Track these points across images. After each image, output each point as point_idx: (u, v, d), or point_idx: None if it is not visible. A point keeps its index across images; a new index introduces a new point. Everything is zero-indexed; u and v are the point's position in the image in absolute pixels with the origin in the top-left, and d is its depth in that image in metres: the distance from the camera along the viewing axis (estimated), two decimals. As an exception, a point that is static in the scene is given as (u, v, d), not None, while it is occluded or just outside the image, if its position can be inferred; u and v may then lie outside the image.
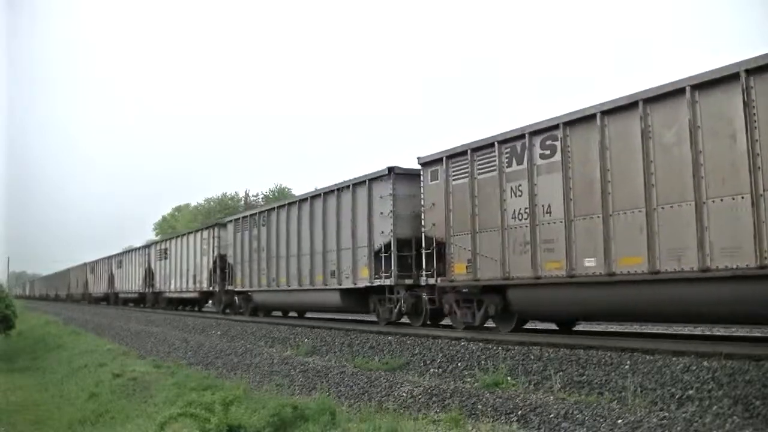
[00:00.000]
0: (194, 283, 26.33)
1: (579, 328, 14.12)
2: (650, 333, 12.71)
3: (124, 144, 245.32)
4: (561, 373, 8.19)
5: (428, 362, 10.25)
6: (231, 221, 22.73)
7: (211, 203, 69.20)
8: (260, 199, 62.57)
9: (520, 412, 7.30)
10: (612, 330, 12.68)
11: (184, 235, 28.82)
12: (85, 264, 52.59)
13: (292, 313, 21.39)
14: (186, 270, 27.45)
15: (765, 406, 6.09)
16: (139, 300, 35.97)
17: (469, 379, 9.04)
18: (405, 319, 14.27)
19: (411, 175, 13.76)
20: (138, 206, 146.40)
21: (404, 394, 8.93)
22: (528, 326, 14.48)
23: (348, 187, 15.26)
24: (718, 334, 12.27)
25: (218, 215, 54.27)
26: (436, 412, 8.03)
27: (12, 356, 24.11)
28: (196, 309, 29.14)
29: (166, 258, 30.71)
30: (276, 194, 61.06)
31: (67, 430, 11.85)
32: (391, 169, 13.86)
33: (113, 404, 12.37)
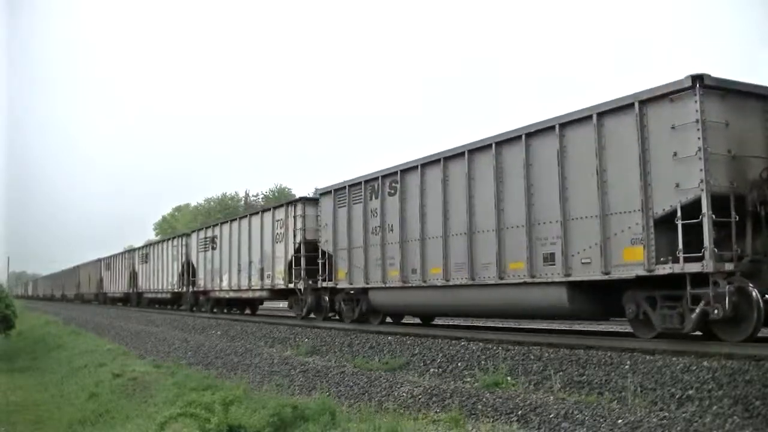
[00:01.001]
0: (261, 279, 20.24)
1: (579, 327, 14.13)
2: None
3: (124, 144, 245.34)
4: (561, 373, 8.19)
5: (428, 362, 10.25)
6: (327, 192, 16.43)
7: (211, 203, 69.30)
8: (260, 199, 62.62)
9: (520, 412, 7.30)
10: (612, 330, 12.67)
11: (243, 217, 22.66)
12: (99, 260, 47.18)
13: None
14: (247, 263, 21.28)
15: (765, 406, 6.09)
16: (172, 301, 30.99)
17: (469, 379, 9.04)
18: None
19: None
20: (138, 206, 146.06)
21: (404, 394, 8.93)
22: (527, 326, 14.51)
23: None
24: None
25: (218, 215, 54.22)
26: (436, 412, 8.03)
27: (12, 356, 24.13)
28: (248, 313, 24.66)
29: (213, 248, 24.62)
30: (276, 194, 61.09)
31: (67, 430, 11.86)
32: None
33: (113, 404, 12.37)
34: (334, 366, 11.36)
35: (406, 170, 13.54)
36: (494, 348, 9.76)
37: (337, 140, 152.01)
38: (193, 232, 27.86)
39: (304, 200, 18.38)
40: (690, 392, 6.72)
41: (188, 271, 27.42)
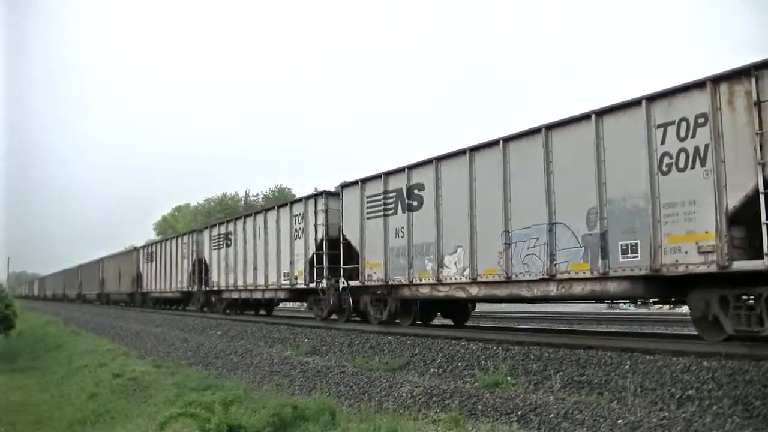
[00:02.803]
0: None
1: (579, 328, 14.13)
2: (650, 333, 12.72)
3: (124, 144, 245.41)
4: (561, 373, 8.19)
5: (428, 362, 10.25)
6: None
7: (211, 203, 69.26)
8: (260, 199, 62.65)
9: (520, 412, 7.30)
10: (612, 330, 12.67)
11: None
12: (134, 249, 37.71)
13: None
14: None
15: (765, 406, 6.09)
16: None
17: (469, 379, 9.04)
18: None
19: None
20: (138, 206, 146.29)
21: (404, 394, 8.93)
22: (528, 326, 14.49)
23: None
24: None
25: (218, 215, 54.12)
26: (436, 412, 8.03)
27: (12, 356, 24.11)
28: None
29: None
30: (276, 194, 61.10)
31: (67, 430, 11.85)
32: None
33: (113, 404, 12.36)
34: (334, 366, 11.35)
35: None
36: (494, 348, 9.77)
37: (337, 140, 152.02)
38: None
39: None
40: (690, 392, 6.73)
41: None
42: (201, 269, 25.58)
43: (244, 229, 21.47)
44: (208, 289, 24.76)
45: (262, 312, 23.40)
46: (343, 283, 15.37)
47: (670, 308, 22.91)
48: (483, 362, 9.35)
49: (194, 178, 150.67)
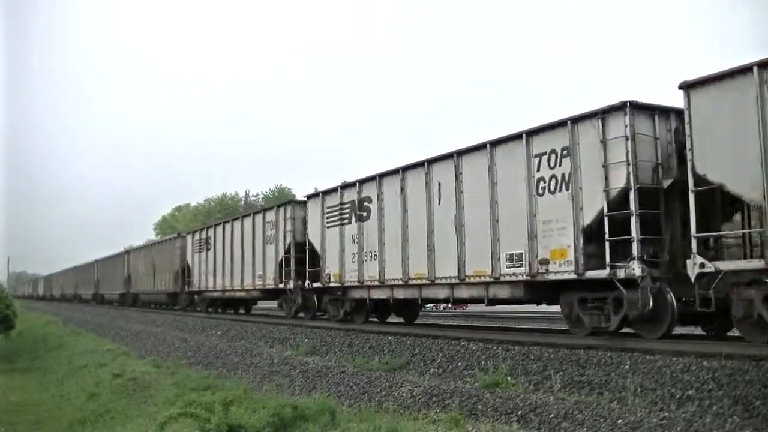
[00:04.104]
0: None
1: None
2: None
3: (124, 144, 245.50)
4: (561, 373, 8.19)
5: (428, 362, 10.25)
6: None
7: (211, 203, 69.31)
8: (260, 199, 62.70)
9: (520, 412, 7.30)
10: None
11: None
12: (176, 237, 29.48)
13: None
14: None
15: (765, 406, 6.09)
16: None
17: (469, 379, 9.04)
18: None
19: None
20: (138, 206, 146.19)
21: (404, 394, 8.93)
22: (528, 326, 14.48)
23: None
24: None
25: (218, 215, 54.08)
26: (436, 412, 8.03)
27: (12, 356, 24.12)
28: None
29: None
30: (276, 194, 61.15)
31: (67, 430, 11.85)
32: None
33: (113, 404, 12.36)
34: (334, 366, 11.36)
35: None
36: (494, 348, 9.76)
37: (337, 140, 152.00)
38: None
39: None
40: (690, 392, 6.73)
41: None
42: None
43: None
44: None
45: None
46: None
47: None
48: (483, 362, 9.35)
49: (194, 178, 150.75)
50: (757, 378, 6.49)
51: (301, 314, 18.19)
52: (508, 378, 8.52)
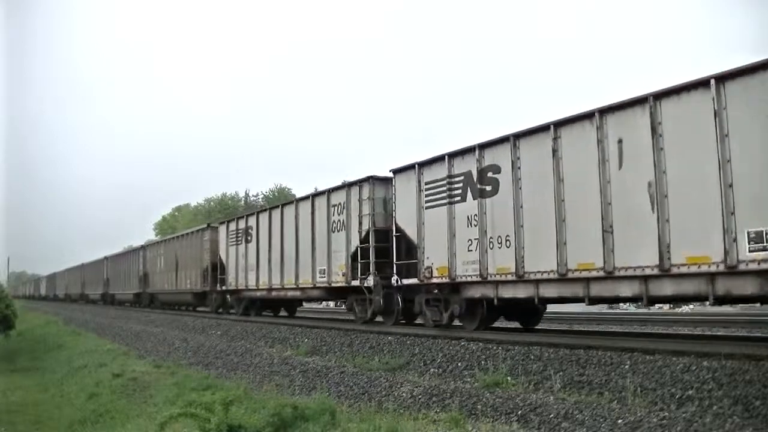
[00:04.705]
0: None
1: (579, 327, 14.12)
2: (650, 333, 12.72)
3: (125, 144, 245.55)
4: (561, 373, 8.19)
5: (428, 362, 10.25)
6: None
7: (211, 203, 69.26)
8: (260, 199, 62.69)
9: (520, 412, 7.30)
10: (612, 330, 12.67)
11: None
12: (206, 227, 25.53)
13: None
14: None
15: (765, 406, 6.08)
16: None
17: (469, 379, 9.03)
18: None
19: None
20: (138, 206, 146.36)
21: (404, 394, 8.93)
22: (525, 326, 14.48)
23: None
24: (719, 334, 12.27)
25: (218, 215, 54.05)
26: (436, 412, 8.03)
27: (12, 356, 24.15)
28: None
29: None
30: (276, 194, 61.13)
31: (67, 430, 11.87)
32: None
33: (113, 404, 12.38)
34: (334, 366, 11.35)
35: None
36: (494, 348, 9.76)
37: (337, 139, 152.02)
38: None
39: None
40: (690, 392, 6.72)
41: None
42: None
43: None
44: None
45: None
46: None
47: (670, 308, 22.94)
48: (483, 362, 9.35)
49: (194, 178, 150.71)
50: (757, 378, 6.49)
51: (379, 318, 14.89)
52: (508, 378, 8.51)
